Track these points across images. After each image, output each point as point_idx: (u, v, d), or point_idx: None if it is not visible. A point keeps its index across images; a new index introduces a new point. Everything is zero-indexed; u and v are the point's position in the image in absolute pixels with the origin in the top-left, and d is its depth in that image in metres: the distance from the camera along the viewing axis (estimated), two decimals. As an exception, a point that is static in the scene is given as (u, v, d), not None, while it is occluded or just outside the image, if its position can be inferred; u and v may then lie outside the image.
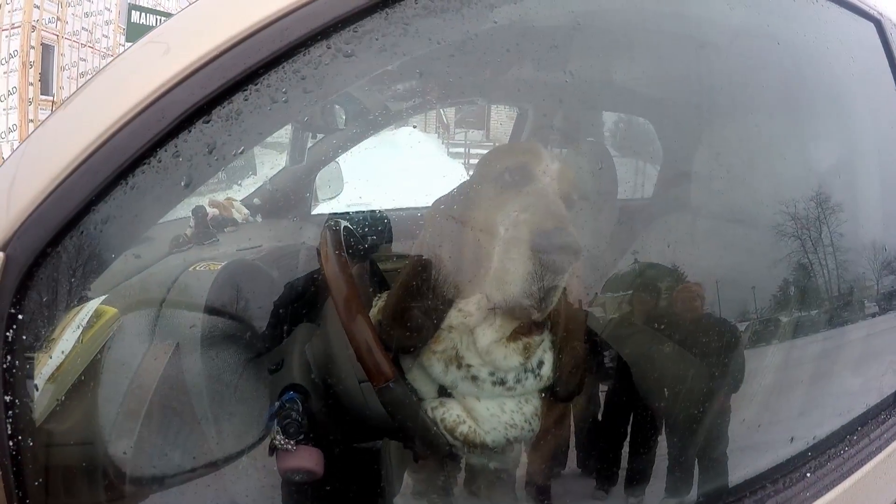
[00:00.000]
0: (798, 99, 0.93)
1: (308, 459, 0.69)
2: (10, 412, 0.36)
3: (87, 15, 16.47)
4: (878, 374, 0.80)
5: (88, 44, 16.59)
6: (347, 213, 1.05)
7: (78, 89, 0.49)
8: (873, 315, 0.85)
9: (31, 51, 14.58)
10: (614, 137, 1.53)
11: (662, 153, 1.19)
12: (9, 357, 0.36)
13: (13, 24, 14.22)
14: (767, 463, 0.62)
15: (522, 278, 0.66)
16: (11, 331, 0.37)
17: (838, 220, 0.83)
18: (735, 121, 0.98)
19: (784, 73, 0.93)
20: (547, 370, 0.74)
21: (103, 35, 17.46)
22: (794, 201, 0.88)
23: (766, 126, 0.94)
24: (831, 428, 0.66)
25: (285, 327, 0.76)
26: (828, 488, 0.57)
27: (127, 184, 0.38)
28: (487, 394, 0.72)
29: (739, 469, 0.63)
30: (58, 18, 15.24)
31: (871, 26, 0.85)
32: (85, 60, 16.52)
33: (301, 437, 0.68)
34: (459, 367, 0.72)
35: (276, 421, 0.67)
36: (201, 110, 0.38)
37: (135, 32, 7.21)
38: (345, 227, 0.78)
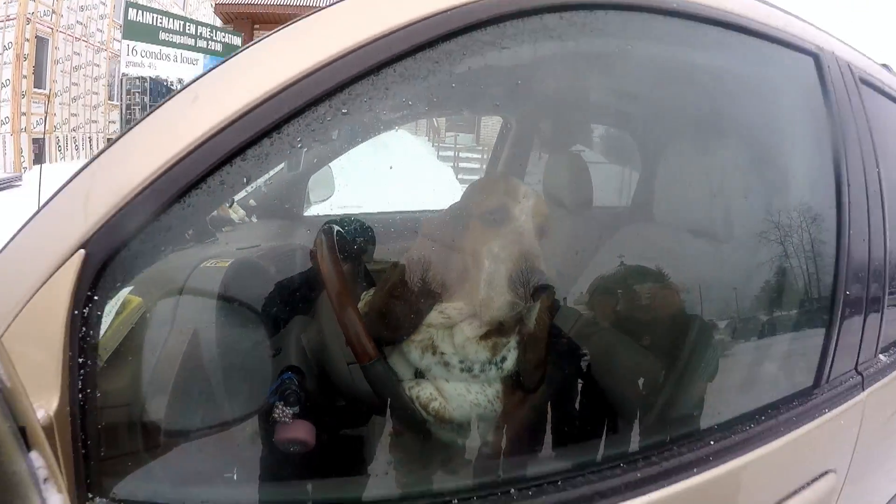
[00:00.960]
0: (746, 127, 1.07)
1: (302, 431, 0.81)
2: (81, 371, 0.48)
3: (81, 8, 16.39)
4: (797, 367, 0.93)
5: (83, 37, 16.53)
6: (338, 218, 1.16)
7: (138, 122, 0.60)
8: (800, 315, 0.98)
9: (26, 43, 14.51)
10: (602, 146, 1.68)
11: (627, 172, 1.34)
12: (84, 328, 0.48)
13: (8, 16, 14.14)
14: (678, 430, 0.75)
15: (499, 301, 0.80)
16: (88, 308, 0.49)
17: (779, 230, 0.96)
18: (694, 147, 1.12)
19: (735, 104, 1.07)
20: (509, 364, 0.87)
21: (98, 29, 17.41)
22: (743, 213, 1.03)
23: (719, 151, 1.08)
24: (744, 409, 0.80)
25: (283, 318, 0.88)
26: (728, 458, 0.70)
27: (184, 202, 0.50)
28: (456, 378, 0.85)
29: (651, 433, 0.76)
30: (53, 11, 15.16)
31: (810, 60, 0.98)
32: (79, 54, 16.44)
33: (296, 411, 0.80)
34: (434, 353, 0.85)
35: (275, 396, 0.80)
36: (240, 150, 0.50)
37: (131, 30, 7.24)
38: (337, 231, 0.91)
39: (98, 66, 17.58)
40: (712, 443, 0.73)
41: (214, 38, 8.81)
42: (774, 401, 0.83)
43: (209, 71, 0.62)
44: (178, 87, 7.60)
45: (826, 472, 0.87)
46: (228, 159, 0.51)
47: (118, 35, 18.50)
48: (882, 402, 1.00)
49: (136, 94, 7.47)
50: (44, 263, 0.48)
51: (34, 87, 14.90)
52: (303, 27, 0.62)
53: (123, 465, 0.55)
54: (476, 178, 2.20)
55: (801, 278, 0.94)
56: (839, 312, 0.86)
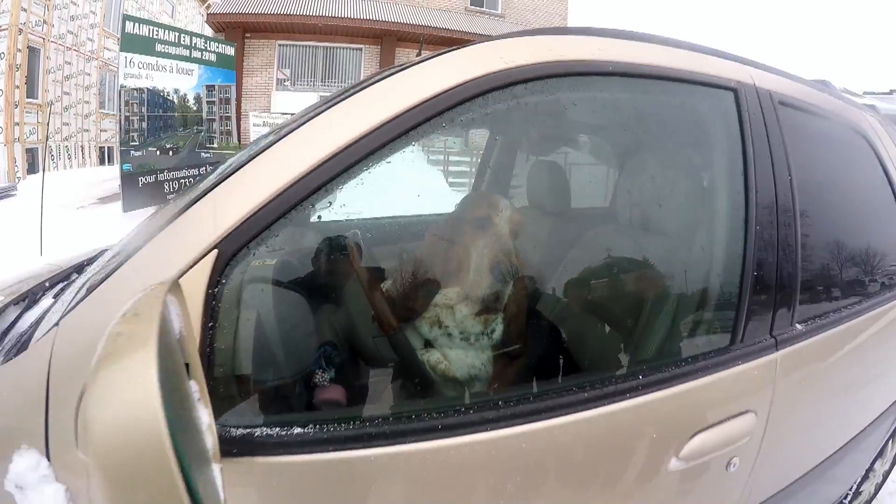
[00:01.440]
0: (681, 152, 1.35)
1: (336, 393, 1.06)
2: (210, 331, 0.73)
3: (72, 18, 16.52)
4: (719, 330, 1.18)
5: (73, 47, 16.68)
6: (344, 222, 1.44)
7: (243, 162, 0.86)
8: (722, 290, 1.24)
9: (18, 53, 14.65)
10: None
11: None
12: (213, 302, 0.73)
13: (0, 27, 14.29)
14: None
15: (486, 285, 1.11)
16: (216, 289, 0.73)
17: (705, 226, 1.24)
18: (643, 170, 1.42)
19: (672, 136, 1.36)
20: (497, 335, 1.14)
21: (88, 38, 17.57)
22: (679, 215, 1.31)
23: (662, 171, 1.37)
24: (676, 357, 1.08)
25: (318, 303, 1.14)
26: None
27: (288, 217, 0.75)
28: (457, 346, 1.11)
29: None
30: (44, 21, 15.29)
31: (731, 94, 1.24)
32: (70, 64, 16.58)
33: (333, 376, 1.05)
34: (440, 327, 1.12)
35: (316, 364, 1.05)
36: (325, 184, 0.77)
37: (129, 43, 7.42)
38: (360, 236, 1.20)
39: (89, 74, 17.73)
40: (645, 377, 1.01)
41: (209, 48, 9.00)
42: (699, 353, 1.10)
43: (295, 128, 0.88)
44: (174, 97, 7.76)
45: (746, 412, 1.13)
46: (314, 191, 0.77)
47: (109, 44, 18.71)
48: (796, 362, 1.25)
49: (134, 105, 7.62)
50: (185, 257, 0.74)
51: (26, 98, 15.03)
52: (354, 106, 0.90)
53: (230, 399, 0.80)
54: (464, 180, 2.52)
55: (720, 262, 1.20)
56: (747, 290, 1.13)
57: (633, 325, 1.15)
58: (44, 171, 7.26)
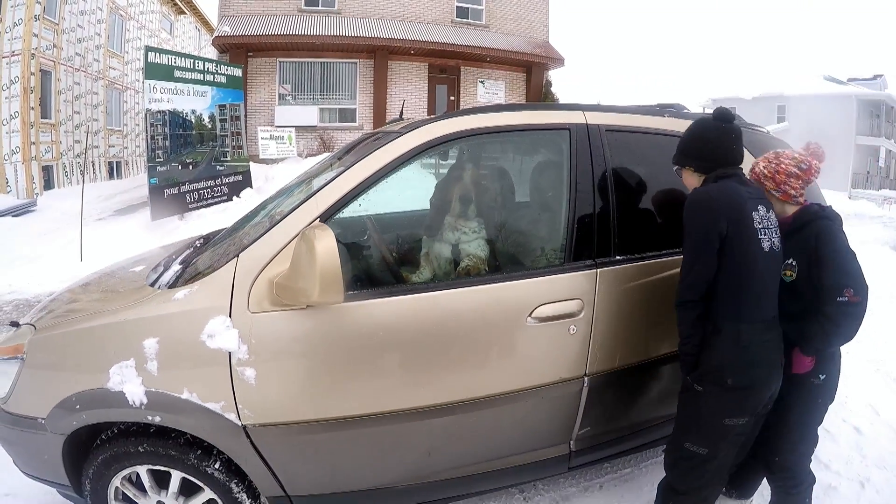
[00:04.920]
0: (539, 172, 2.54)
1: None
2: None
3: (79, 41, 17.43)
4: (557, 256, 2.22)
5: (81, 68, 17.62)
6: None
7: (327, 182, 1.95)
8: (559, 238, 2.28)
9: (31, 77, 15.54)
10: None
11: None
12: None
13: (13, 52, 15.12)
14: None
15: (463, 212, 2.38)
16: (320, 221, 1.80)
17: (550, 210, 2.34)
18: (521, 176, 2.53)
19: (536, 155, 2.47)
20: (472, 247, 2.33)
21: (94, 59, 18.51)
22: (538, 205, 2.42)
23: (531, 176, 2.51)
24: (530, 267, 2.16)
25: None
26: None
27: (343, 204, 1.88)
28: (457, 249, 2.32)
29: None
30: (54, 45, 16.15)
31: (566, 131, 2.29)
32: (79, 84, 17.51)
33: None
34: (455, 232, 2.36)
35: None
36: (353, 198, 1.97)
37: (152, 71, 8.43)
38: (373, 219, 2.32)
39: (96, 94, 18.65)
40: (517, 273, 2.12)
41: (219, 71, 10.05)
42: (546, 266, 2.16)
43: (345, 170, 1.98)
44: (192, 117, 8.77)
45: (576, 298, 2.17)
46: (355, 196, 1.87)
47: (113, 63, 19.69)
48: (608, 277, 2.26)
49: (158, 125, 8.61)
50: (302, 223, 1.85)
51: (41, 118, 15.94)
52: (369, 161, 2.03)
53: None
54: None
55: (561, 224, 2.28)
56: (571, 237, 2.20)
57: (519, 248, 2.29)
58: (83, 184, 8.19)
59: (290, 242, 1.89)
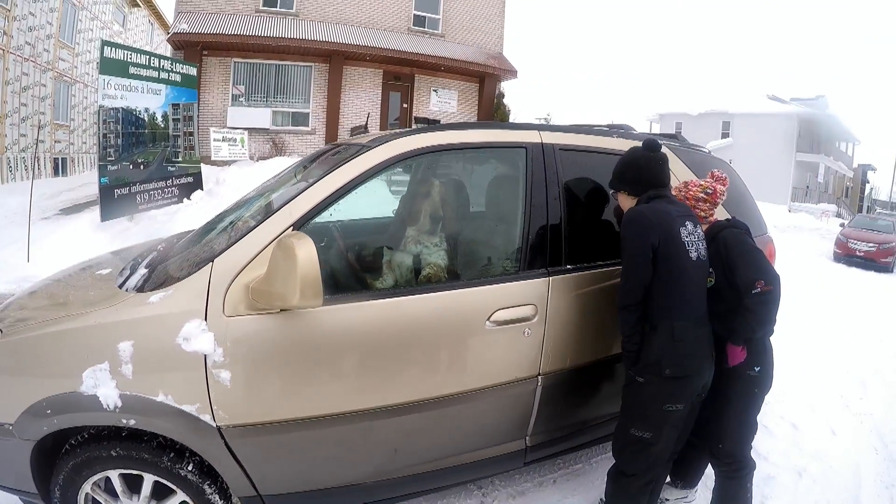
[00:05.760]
0: (497, 185, 2.73)
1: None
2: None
3: (30, 29, 16.65)
4: (513, 264, 2.39)
5: (31, 58, 16.85)
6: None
7: (302, 189, 2.07)
8: (515, 247, 2.45)
9: (-22, 65, 14.73)
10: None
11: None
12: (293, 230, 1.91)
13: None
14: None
15: (428, 224, 2.51)
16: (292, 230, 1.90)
17: (506, 221, 2.51)
18: (481, 189, 2.69)
19: (494, 171, 2.65)
20: (434, 257, 2.43)
21: (44, 49, 17.75)
22: (496, 216, 2.62)
23: (489, 190, 2.71)
24: (489, 275, 2.32)
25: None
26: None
27: (316, 213, 1.99)
28: (431, 253, 2.45)
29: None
30: (3, 33, 15.36)
31: (523, 149, 2.47)
32: (27, 75, 16.75)
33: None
34: (417, 246, 2.46)
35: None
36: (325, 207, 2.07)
37: (107, 66, 8.23)
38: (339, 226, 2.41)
39: (44, 86, 17.90)
40: (476, 280, 2.31)
41: (174, 69, 9.87)
42: (503, 273, 2.35)
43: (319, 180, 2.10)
44: (145, 116, 8.60)
45: (530, 304, 2.34)
46: (328, 205, 2.00)
47: (64, 55, 18.93)
48: (559, 284, 2.44)
49: (111, 123, 8.41)
50: (276, 230, 1.95)
51: (-16, 110, 15.17)
52: (341, 172, 2.16)
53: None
54: (403, 189, 3.79)
55: (516, 234, 2.47)
56: (526, 247, 2.38)
57: (478, 256, 2.49)
58: (32, 181, 7.94)
59: (264, 249, 1.99)
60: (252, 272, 1.97)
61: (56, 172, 19.15)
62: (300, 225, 2.06)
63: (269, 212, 2.11)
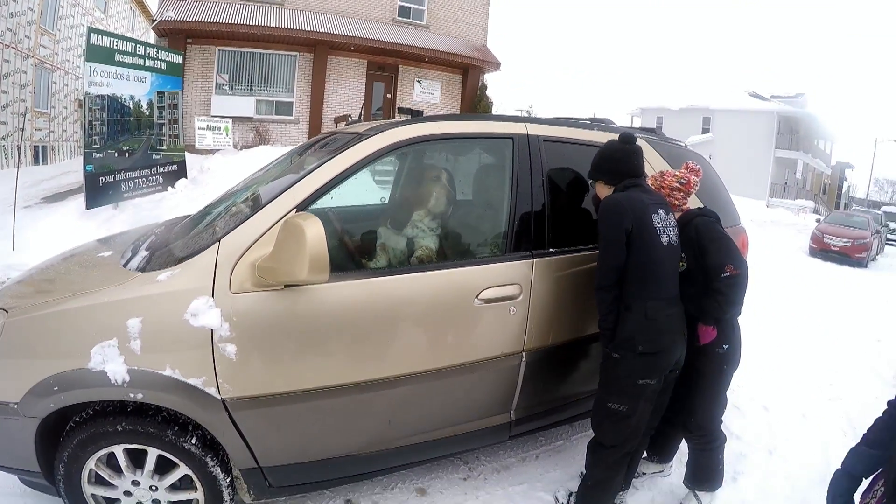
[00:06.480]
0: (485, 173, 2.88)
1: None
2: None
3: (12, 15, 16.32)
4: (499, 247, 2.54)
5: (12, 44, 16.54)
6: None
7: (304, 174, 2.24)
8: (502, 231, 2.61)
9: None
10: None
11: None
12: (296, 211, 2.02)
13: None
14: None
15: (439, 205, 2.63)
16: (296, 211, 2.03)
17: (493, 207, 2.65)
18: (469, 176, 2.83)
19: (482, 160, 2.79)
20: (428, 240, 2.58)
21: (25, 36, 17.43)
22: (484, 202, 2.76)
23: (477, 177, 2.87)
24: (477, 256, 2.48)
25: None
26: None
27: (319, 196, 2.15)
28: (427, 236, 2.58)
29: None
30: (-16, 18, 15.13)
31: (510, 140, 2.61)
32: (8, 62, 16.43)
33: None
34: (413, 230, 2.59)
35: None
36: (326, 191, 2.19)
37: (93, 54, 8.19)
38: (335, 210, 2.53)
39: (25, 73, 17.60)
40: (466, 261, 2.47)
41: (160, 57, 9.83)
42: (491, 255, 2.50)
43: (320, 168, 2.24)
44: (131, 103, 8.58)
45: (515, 283, 2.50)
46: (328, 189, 2.13)
47: (45, 41, 18.63)
48: (542, 266, 2.59)
49: (96, 111, 8.38)
50: (281, 212, 2.08)
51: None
52: (340, 159, 2.29)
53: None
54: (387, 179, 3.84)
55: (503, 219, 2.61)
56: (512, 231, 2.54)
57: (468, 239, 2.65)
58: (17, 169, 7.91)
59: (269, 229, 2.11)
60: (257, 251, 2.08)
61: (36, 160, 18.87)
62: (303, 207, 2.18)
63: (272, 195, 2.23)
